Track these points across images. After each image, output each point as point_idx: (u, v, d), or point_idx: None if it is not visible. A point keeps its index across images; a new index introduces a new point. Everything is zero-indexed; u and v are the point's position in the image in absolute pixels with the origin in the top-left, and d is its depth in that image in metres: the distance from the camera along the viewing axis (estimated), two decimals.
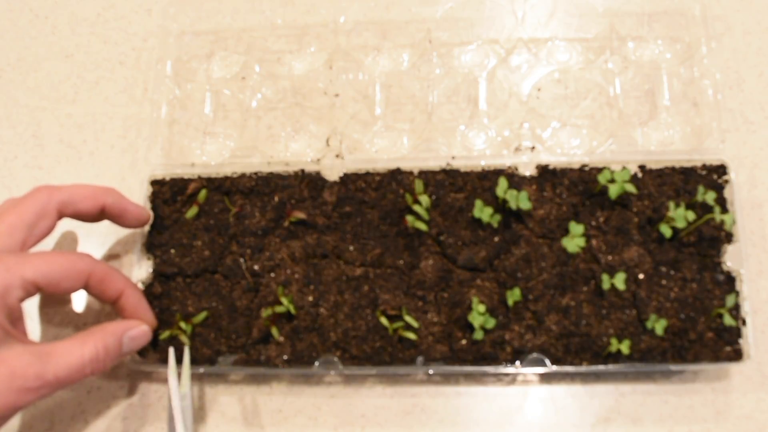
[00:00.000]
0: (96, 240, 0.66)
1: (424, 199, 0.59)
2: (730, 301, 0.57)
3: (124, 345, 0.55)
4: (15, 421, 0.61)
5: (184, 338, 0.58)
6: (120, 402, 0.62)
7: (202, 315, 0.59)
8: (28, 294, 0.51)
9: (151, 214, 0.63)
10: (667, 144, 0.64)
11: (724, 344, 0.56)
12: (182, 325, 0.59)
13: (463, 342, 0.57)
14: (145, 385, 0.62)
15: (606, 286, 0.57)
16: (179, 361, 0.58)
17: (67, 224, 0.66)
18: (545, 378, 0.60)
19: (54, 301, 0.65)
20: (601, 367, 0.57)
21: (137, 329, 0.56)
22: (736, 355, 0.56)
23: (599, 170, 0.61)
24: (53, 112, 0.72)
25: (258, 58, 0.70)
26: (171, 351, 0.58)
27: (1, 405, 0.48)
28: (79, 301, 0.65)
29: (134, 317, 0.58)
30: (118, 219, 0.59)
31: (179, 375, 0.57)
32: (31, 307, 0.65)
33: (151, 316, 0.59)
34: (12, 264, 0.50)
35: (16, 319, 0.53)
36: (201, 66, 0.71)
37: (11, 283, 0.50)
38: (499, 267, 0.59)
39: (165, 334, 0.59)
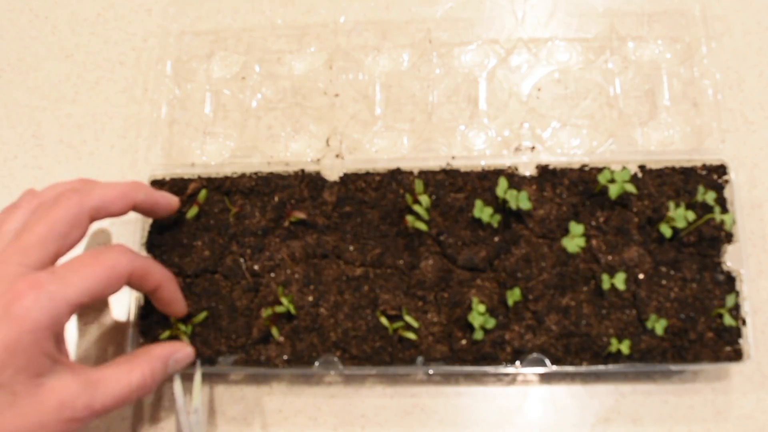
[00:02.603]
0: (95, 240, 0.67)
1: (424, 199, 0.59)
2: (730, 301, 0.57)
3: (170, 368, 0.55)
4: None
5: (184, 338, 0.58)
6: None
7: (202, 315, 0.59)
8: (73, 314, 0.49)
9: (178, 199, 0.61)
10: (667, 144, 0.64)
11: (724, 344, 0.56)
12: (181, 325, 0.59)
13: (463, 342, 0.57)
14: None
15: (606, 286, 0.57)
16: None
17: None
18: (545, 378, 0.60)
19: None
20: (601, 367, 0.57)
21: (182, 352, 0.56)
22: (736, 355, 0.56)
23: (599, 170, 0.61)
24: (53, 112, 0.72)
25: (258, 58, 0.70)
26: (177, 379, 0.57)
27: None
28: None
29: (168, 309, 0.57)
30: (149, 213, 0.59)
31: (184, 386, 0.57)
32: None
33: (183, 306, 0.58)
34: (55, 291, 0.47)
35: (59, 341, 0.51)
36: (201, 66, 0.71)
37: (59, 312, 0.47)
38: (499, 267, 0.59)
39: (165, 335, 0.58)
